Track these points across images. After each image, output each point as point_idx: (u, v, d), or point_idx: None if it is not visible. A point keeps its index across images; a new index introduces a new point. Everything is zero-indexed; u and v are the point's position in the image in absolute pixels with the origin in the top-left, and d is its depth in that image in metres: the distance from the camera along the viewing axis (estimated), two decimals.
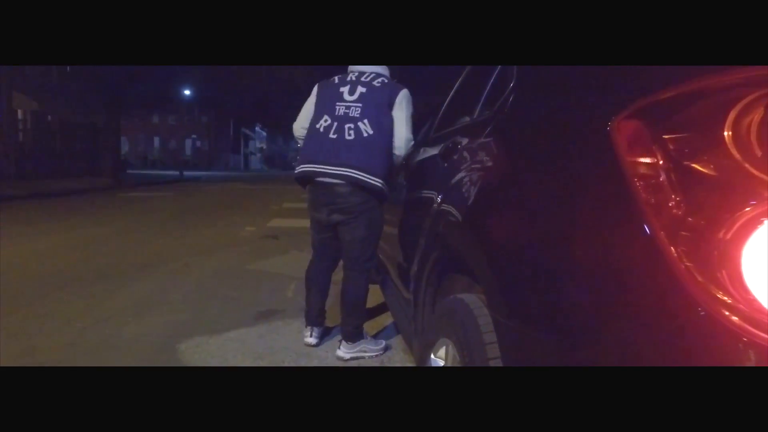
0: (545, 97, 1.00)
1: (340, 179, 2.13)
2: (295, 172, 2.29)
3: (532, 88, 1.09)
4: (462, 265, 1.25)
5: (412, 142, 2.27)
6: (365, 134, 2.14)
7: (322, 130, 2.19)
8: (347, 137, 2.14)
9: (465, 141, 1.36)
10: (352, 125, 2.15)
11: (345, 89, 2.23)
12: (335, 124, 2.17)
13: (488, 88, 1.48)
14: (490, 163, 1.12)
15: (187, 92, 27.57)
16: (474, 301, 1.10)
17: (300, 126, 2.36)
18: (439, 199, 1.41)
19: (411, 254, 1.74)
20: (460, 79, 2.08)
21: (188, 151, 46.86)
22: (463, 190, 1.18)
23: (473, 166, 1.19)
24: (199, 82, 26.88)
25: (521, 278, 0.85)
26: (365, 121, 2.14)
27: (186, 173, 24.45)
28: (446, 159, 1.46)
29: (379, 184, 2.16)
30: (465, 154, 1.30)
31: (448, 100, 2.13)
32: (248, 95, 29.14)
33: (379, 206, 2.25)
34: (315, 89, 2.36)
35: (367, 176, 2.13)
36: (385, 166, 2.19)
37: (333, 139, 2.16)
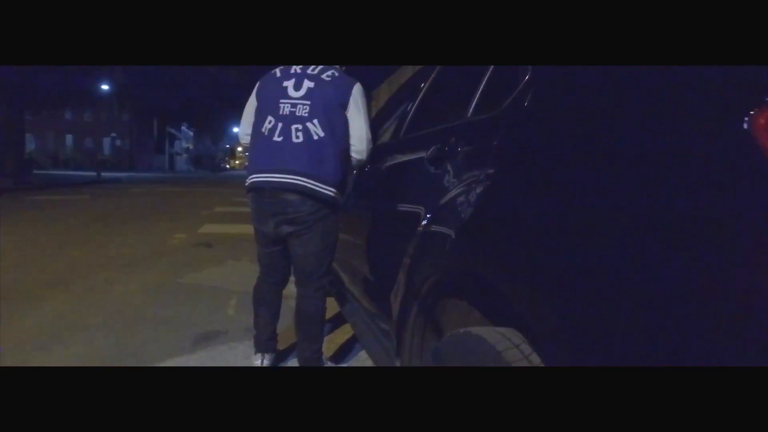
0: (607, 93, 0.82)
1: (288, 188, 1.86)
2: (246, 184, 1.99)
3: (564, 84, 0.91)
4: (473, 290, 1.05)
5: (371, 144, 2.04)
6: (315, 137, 1.87)
7: (266, 133, 1.91)
8: (294, 140, 1.87)
9: (467, 142, 1.15)
10: (299, 126, 1.87)
11: (289, 84, 1.94)
12: (280, 125, 1.89)
13: (483, 85, 1.30)
14: (520, 167, 0.92)
15: (104, 87, 25.37)
16: (493, 336, 0.90)
17: (244, 133, 2.08)
18: (433, 212, 1.19)
19: (388, 273, 1.51)
20: (431, 77, 1.88)
21: (107, 150, 43.46)
22: (481, 201, 0.97)
23: (490, 171, 0.98)
24: (119, 78, 25.00)
25: (594, 304, 0.67)
26: (315, 121, 1.87)
27: (104, 174, 22.73)
28: (439, 163, 1.25)
29: (331, 193, 1.90)
30: (471, 156, 1.10)
31: (419, 99, 1.93)
32: (174, 93, 27.58)
33: (333, 214, 1.99)
34: (255, 87, 2.07)
35: (318, 185, 1.86)
36: (339, 172, 1.94)
37: (278, 142, 1.88)
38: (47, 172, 25.10)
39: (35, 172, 20.41)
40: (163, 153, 51.34)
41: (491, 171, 0.97)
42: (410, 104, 2.01)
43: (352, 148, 1.98)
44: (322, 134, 1.88)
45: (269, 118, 1.92)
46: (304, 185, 1.85)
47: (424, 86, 1.91)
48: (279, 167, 1.87)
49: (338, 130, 1.92)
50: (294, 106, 1.90)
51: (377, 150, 2.08)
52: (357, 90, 1.98)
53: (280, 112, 1.91)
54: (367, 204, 2.14)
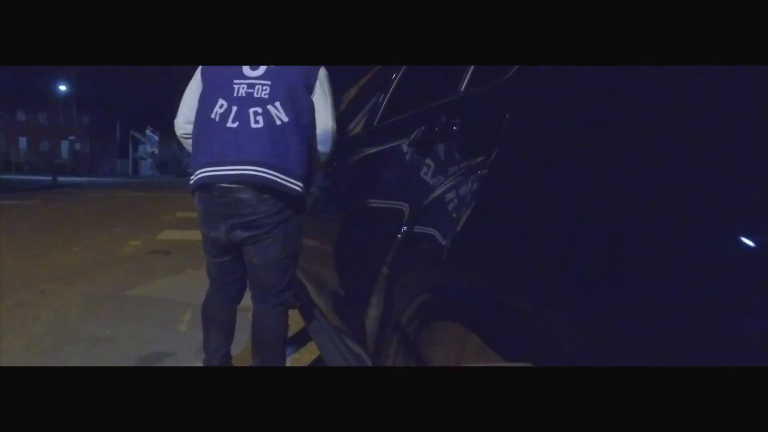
0: None
1: (244, 182, 1.55)
2: (191, 182, 1.67)
3: None
4: (474, 311, 0.79)
5: (336, 137, 1.77)
6: (278, 122, 1.57)
7: (217, 118, 1.59)
8: (253, 125, 1.56)
9: (464, 119, 0.89)
10: (259, 109, 1.57)
11: None
12: (234, 108, 1.58)
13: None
14: (545, 147, 0.66)
15: (62, 88, 24.19)
16: None
17: (183, 121, 1.74)
18: (421, 211, 0.93)
19: (362, 286, 1.24)
20: (404, 67, 1.64)
21: (64, 153, 41.62)
22: (492, 194, 0.71)
23: (501, 154, 0.72)
24: (78, 78, 23.98)
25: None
26: (277, 104, 1.58)
27: (62, 179, 21.70)
28: (426, 149, 0.99)
29: (297, 187, 1.60)
30: (472, 136, 0.84)
31: (395, 83, 1.67)
32: (138, 94, 26.68)
33: (296, 217, 1.69)
34: (198, 69, 1.74)
35: (283, 177, 1.56)
36: (306, 164, 1.64)
37: (233, 128, 1.57)
38: None
39: None
40: (127, 157, 49.88)
41: (503, 154, 0.71)
42: (382, 93, 1.75)
43: (317, 137, 1.70)
44: (285, 119, 1.58)
45: (220, 101, 1.62)
46: (264, 177, 1.55)
47: (397, 75, 1.66)
48: (234, 158, 1.56)
49: (304, 115, 1.64)
50: (251, 86, 1.60)
51: (346, 143, 1.81)
52: (323, 73, 1.70)
53: (235, 94, 1.60)
54: (334, 204, 1.86)
